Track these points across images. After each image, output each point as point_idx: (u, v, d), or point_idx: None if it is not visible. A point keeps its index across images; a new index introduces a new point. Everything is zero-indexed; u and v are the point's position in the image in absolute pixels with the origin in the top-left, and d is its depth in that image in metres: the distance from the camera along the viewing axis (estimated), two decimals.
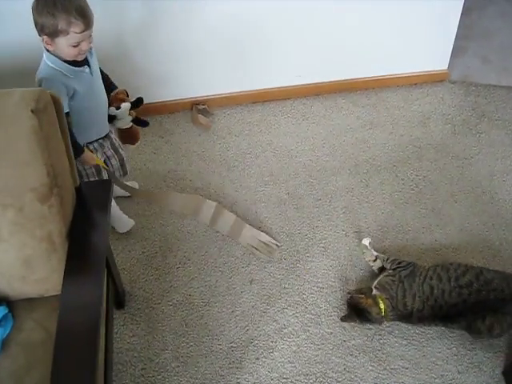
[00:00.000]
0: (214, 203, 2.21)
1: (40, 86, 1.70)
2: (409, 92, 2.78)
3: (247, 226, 2.17)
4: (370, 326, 1.86)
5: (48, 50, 1.69)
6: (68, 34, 1.62)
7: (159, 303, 1.95)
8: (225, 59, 2.57)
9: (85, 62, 1.75)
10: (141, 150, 2.49)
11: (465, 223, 2.18)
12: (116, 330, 1.87)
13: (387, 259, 1.94)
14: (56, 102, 1.39)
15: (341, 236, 2.15)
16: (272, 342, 1.84)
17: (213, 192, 2.32)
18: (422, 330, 1.84)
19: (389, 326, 1.85)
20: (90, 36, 1.69)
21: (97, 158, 1.88)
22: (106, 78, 1.94)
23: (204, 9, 2.35)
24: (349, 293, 1.87)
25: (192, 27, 2.41)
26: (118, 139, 2.04)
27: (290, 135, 2.57)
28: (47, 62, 1.70)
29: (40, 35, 1.65)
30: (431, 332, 1.84)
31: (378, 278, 1.88)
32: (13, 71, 2.25)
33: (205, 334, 1.86)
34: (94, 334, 1.23)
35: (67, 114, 1.72)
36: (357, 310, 1.81)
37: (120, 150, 2.04)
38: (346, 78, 2.76)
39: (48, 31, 1.62)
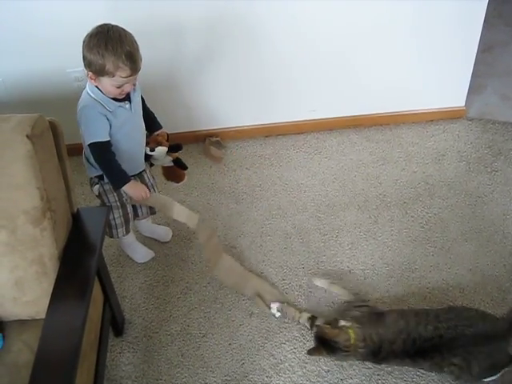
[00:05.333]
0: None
1: (80, 115, 1.72)
2: (424, 128, 2.76)
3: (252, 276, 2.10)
4: (369, 366, 1.80)
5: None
6: (114, 76, 1.64)
7: (157, 332, 1.94)
8: (240, 93, 2.62)
9: (126, 98, 1.77)
10: None
11: (475, 263, 2.11)
12: (113, 358, 1.87)
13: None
14: (55, 128, 1.45)
15: (345, 272, 2.11)
16: (267, 377, 1.80)
17: (219, 224, 2.33)
18: (422, 372, 1.78)
19: (388, 366, 1.80)
20: (135, 79, 1.71)
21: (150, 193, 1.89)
22: (151, 117, 1.95)
23: (219, 45, 2.42)
24: (316, 325, 1.82)
25: (206, 62, 2.47)
26: (152, 179, 2.03)
27: (301, 169, 2.58)
28: (89, 92, 1.73)
29: (85, 69, 1.68)
30: (432, 375, 1.77)
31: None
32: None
33: (200, 365, 1.84)
34: (72, 363, 1.24)
35: (108, 142, 1.74)
36: (323, 342, 1.71)
37: (152, 189, 2.00)
38: (361, 113, 2.76)
39: (94, 69, 1.65)
